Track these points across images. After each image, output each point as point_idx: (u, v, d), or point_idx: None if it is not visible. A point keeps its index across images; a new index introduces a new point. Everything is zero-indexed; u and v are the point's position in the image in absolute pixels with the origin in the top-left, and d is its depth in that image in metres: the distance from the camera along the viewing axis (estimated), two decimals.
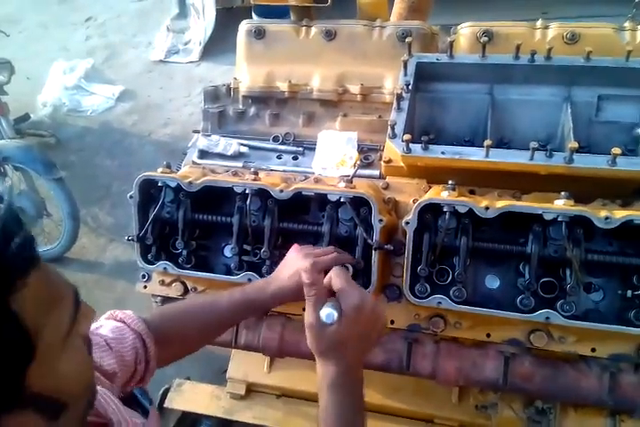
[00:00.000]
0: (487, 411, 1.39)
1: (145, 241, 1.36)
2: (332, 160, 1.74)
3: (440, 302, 1.20)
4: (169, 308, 1.25)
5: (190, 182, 1.34)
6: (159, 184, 1.36)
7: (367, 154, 1.77)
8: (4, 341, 0.49)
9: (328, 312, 0.91)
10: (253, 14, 3.40)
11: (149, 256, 1.38)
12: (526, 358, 1.25)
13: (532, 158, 1.28)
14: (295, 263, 1.12)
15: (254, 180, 1.35)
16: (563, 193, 1.19)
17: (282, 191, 1.31)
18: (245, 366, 1.77)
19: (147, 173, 1.36)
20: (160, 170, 1.38)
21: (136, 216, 1.35)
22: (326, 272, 1.01)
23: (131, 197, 1.35)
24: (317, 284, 0.97)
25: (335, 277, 0.97)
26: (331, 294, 0.97)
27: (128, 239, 1.35)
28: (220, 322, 1.18)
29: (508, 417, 1.38)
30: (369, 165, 1.74)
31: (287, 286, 1.11)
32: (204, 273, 1.38)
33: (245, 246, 1.36)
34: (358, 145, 1.78)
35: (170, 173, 1.38)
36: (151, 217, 1.35)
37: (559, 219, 1.15)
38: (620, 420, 1.31)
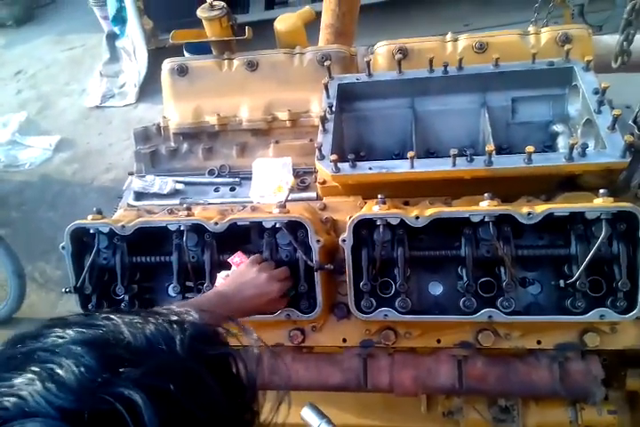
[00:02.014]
0: (454, 416, 1.39)
1: (84, 291, 1.33)
2: (269, 187, 1.76)
3: (386, 315, 1.21)
4: None
5: (123, 226, 1.32)
6: (91, 231, 1.34)
7: (303, 177, 1.79)
8: None
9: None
10: (185, 53, 3.43)
11: (90, 306, 1.34)
12: (478, 359, 1.27)
13: (454, 165, 1.33)
14: (253, 281, 1.16)
15: (188, 215, 1.34)
16: (486, 195, 1.23)
17: (217, 224, 1.31)
18: None
19: (77, 222, 1.34)
20: (90, 217, 1.36)
21: (71, 266, 1.32)
22: None
23: (63, 247, 1.32)
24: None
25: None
26: None
27: (65, 291, 1.32)
28: None
29: (475, 419, 1.38)
30: (306, 188, 1.76)
31: (248, 308, 1.15)
32: None
33: (188, 283, 1.35)
34: (293, 169, 1.80)
35: (101, 219, 1.36)
36: (87, 265, 1.32)
37: (486, 220, 1.19)
38: (580, 408, 1.34)
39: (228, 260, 1.29)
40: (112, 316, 0.54)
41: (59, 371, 0.45)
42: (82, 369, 0.46)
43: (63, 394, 0.44)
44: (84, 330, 0.51)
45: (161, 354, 0.50)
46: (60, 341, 0.49)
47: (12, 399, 0.44)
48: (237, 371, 0.55)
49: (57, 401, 0.43)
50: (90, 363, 0.46)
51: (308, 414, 1.10)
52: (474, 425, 1.41)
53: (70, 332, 0.50)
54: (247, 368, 0.56)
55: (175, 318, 0.55)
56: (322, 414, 1.09)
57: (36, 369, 0.46)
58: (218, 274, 1.29)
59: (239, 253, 1.29)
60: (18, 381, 0.45)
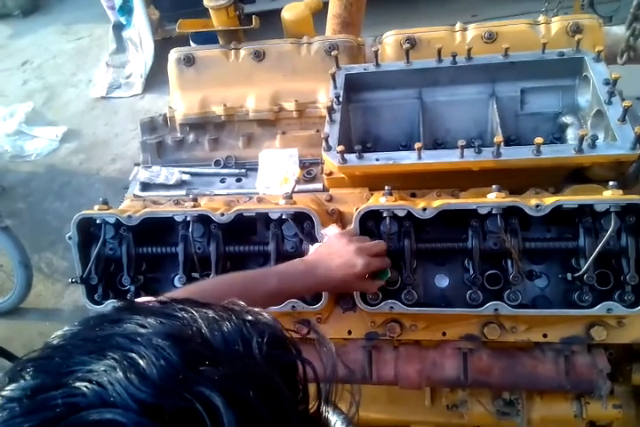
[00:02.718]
0: (458, 409, 1.39)
1: (90, 281, 1.33)
2: (275, 178, 1.75)
3: (392, 307, 1.21)
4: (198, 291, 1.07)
5: (129, 216, 1.32)
6: (98, 221, 1.34)
7: (309, 169, 1.78)
8: None
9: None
10: (192, 43, 3.42)
11: (96, 296, 1.34)
12: (483, 352, 1.27)
13: (462, 156, 1.31)
14: (340, 251, 1.11)
15: (194, 206, 1.34)
16: (494, 186, 1.22)
17: (223, 215, 1.30)
18: None
19: (84, 212, 1.34)
20: (97, 207, 1.36)
21: (77, 257, 1.32)
22: None
23: (70, 238, 1.32)
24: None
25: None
26: None
27: (72, 282, 1.32)
28: (249, 301, 1.12)
29: (479, 412, 1.38)
30: (312, 180, 1.75)
31: (334, 279, 1.10)
32: None
33: (194, 274, 1.35)
34: (300, 161, 1.79)
35: (108, 210, 1.36)
36: (93, 256, 1.32)
37: (493, 212, 1.18)
38: (585, 402, 1.34)
39: (322, 231, 1.26)
40: (188, 308, 0.52)
41: (140, 361, 0.44)
42: (163, 363, 0.44)
43: (145, 387, 0.42)
44: (163, 320, 0.49)
45: (239, 356, 0.48)
46: (142, 330, 0.47)
47: (91, 386, 0.42)
48: (306, 379, 0.54)
49: (139, 393, 0.41)
50: (171, 358, 0.44)
51: None
52: (478, 418, 1.41)
53: (151, 321, 0.48)
54: (317, 376, 0.54)
55: (250, 317, 0.53)
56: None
57: (117, 357, 0.44)
58: (310, 245, 1.26)
59: (334, 225, 1.25)
60: (97, 366, 0.43)
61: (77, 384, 0.42)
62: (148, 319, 0.49)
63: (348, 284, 1.15)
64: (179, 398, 0.42)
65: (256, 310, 0.56)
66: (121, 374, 0.42)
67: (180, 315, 0.51)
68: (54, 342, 0.48)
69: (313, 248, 1.24)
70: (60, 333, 0.50)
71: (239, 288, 1.02)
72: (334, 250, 1.13)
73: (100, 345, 0.46)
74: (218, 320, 0.51)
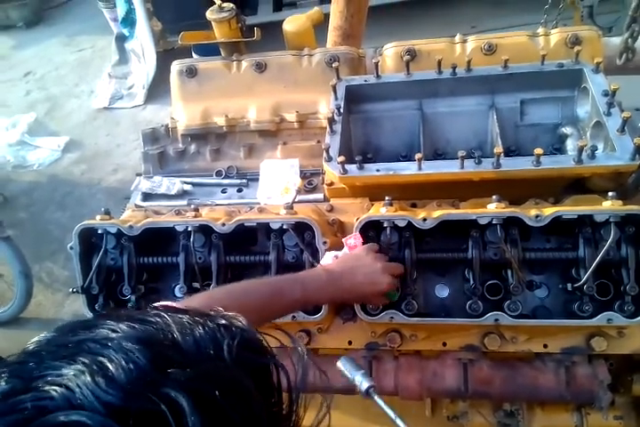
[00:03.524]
0: (459, 420, 1.38)
1: (91, 291, 1.33)
2: (276, 188, 1.76)
3: (392, 317, 1.21)
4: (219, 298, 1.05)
5: (131, 226, 1.33)
6: (99, 231, 1.35)
7: (310, 179, 1.79)
8: None
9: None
10: (194, 54, 3.44)
11: (97, 306, 1.35)
12: (484, 363, 1.26)
13: (462, 167, 1.32)
14: (367, 268, 1.14)
15: (195, 216, 1.34)
16: (494, 197, 1.23)
17: (224, 225, 1.31)
18: None
19: (85, 222, 1.35)
20: (99, 217, 1.36)
21: (78, 266, 1.33)
22: None
23: (71, 247, 1.33)
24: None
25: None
26: None
27: (73, 291, 1.32)
28: (270, 318, 1.11)
29: (480, 424, 1.37)
30: (313, 190, 1.76)
31: (355, 293, 1.15)
32: None
33: (194, 284, 1.35)
34: (300, 171, 1.80)
35: (109, 220, 1.37)
36: (94, 266, 1.33)
37: (493, 222, 1.19)
38: (586, 413, 1.33)
39: (343, 239, 1.27)
40: (163, 313, 0.53)
41: (109, 365, 0.45)
42: (131, 366, 0.45)
43: (112, 390, 0.43)
44: (135, 325, 0.50)
45: (209, 359, 0.49)
46: (113, 335, 0.49)
47: (60, 389, 0.43)
48: (279, 382, 0.55)
49: (105, 396, 0.43)
50: (140, 361, 0.46)
51: (344, 365, 1.07)
52: None
53: (123, 326, 0.50)
54: (289, 381, 0.55)
55: (223, 321, 0.55)
56: (358, 367, 1.07)
57: (86, 361, 0.46)
58: (327, 252, 1.26)
59: (356, 234, 1.25)
60: (66, 371, 0.45)
61: (47, 388, 0.43)
62: (120, 325, 0.50)
63: (368, 299, 1.21)
64: (145, 400, 0.43)
65: (231, 314, 0.58)
66: (89, 377, 0.44)
67: (153, 320, 0.52)
68: (30, 347, 0.50)
69: (330, 256, 1.25)
70: (36, 339, 0.51)
71: (267, 296, 1.05)
72: (360, 264, 1.16)
73: (71, 350, 0.48)
74: (191, 324, 0.52)
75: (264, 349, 0.57)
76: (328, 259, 1.25)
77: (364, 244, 1.23)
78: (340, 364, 1.08)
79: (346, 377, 1.05)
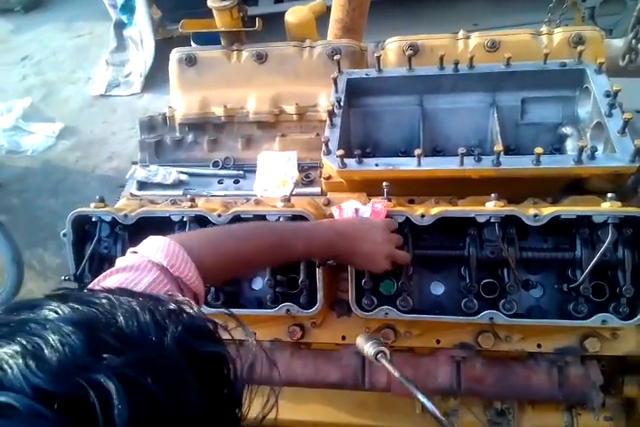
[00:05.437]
0: (449, 418, 1.38)
1: (83, 279, 1.32)
2: (273, 181, 1.74)
3: (387, 313, 1.20)
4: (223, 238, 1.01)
5: (126, 215, 1.31)
6: (93, 219, 1.33)
7: (308, 172, 1.78)
8: None
9: None
10: (193, 44, 3.41)
11: None
12: (477, 361, 1.26)
13: (461, 164, 1.31)
14: (375, 245, 1.12)
15: (191, 206, 1.33)
16: (492, 195, 1.22)
17: (220, 216, 1.29)
18: None
19: (79, 209, 1.33)
20: (93, 205, 1.35)
21: (71, 254, 1.31)
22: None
23: (64, 235, 1.31)
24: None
25: None
26: None
27: (65, 279, 1.31)
28: (266, 265, 1.17)
29: (470, 422, 1.38)
30: (310, 183, 1.75)
31: (353, 260, 1.15)
32: None
33: None
34: (298, 164, 1.79)
35: (104, 208, 1.35)
36: (88, 254, 1.31)
37: (491, 220, 1.18)
38: (576, 413, 1.33)
39: (372, 199, 1.24)
40: (111, 296, 0.52)
41: (44, 347, 0.44)
42: (65, 349, 0.44)
43: (41, 372, 0.42)
44: (78, 307, 0.49)
45: (150, 345, 0.48)
46: (53, 316, 0.48)
47: None
48: (227, 372, 0.53)
49: (34, 379, 0.42)
50: (75, 344, 0.45)
51: (360, 342, 1.07)
52: None
53: (65, 308, 0.49)
54: (236, 371, 0.54)
55: (173, 306, 0.53)
56: (372, 338, 1.06)
57: (24, 342, 0.45)
58: (350, 201, 1.24)
59: (387, 202, 1.22)
60: (3, 350, 0.44)
61: None
62: (63, 306, 0.49)
63: (361, 268, 1.20)
64: (73, 385, 0.42)
65: (183, 299, 0.57)
66: (22, 359, 0.43)
67: (99, 302, 0.51)
68: None
69: (351, 206, 1.21)
70: None
71: (269, 245, 1.02)
72: (371, 238, 1.12)
73: (12, 330, 0.47)
74: (137, 309, 0.51)
75: (213, 337, 0.55)
76: (349, 207, 1.22)
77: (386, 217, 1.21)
78: (358, 340, 1.08)
79: (361, 353, 1.05)
